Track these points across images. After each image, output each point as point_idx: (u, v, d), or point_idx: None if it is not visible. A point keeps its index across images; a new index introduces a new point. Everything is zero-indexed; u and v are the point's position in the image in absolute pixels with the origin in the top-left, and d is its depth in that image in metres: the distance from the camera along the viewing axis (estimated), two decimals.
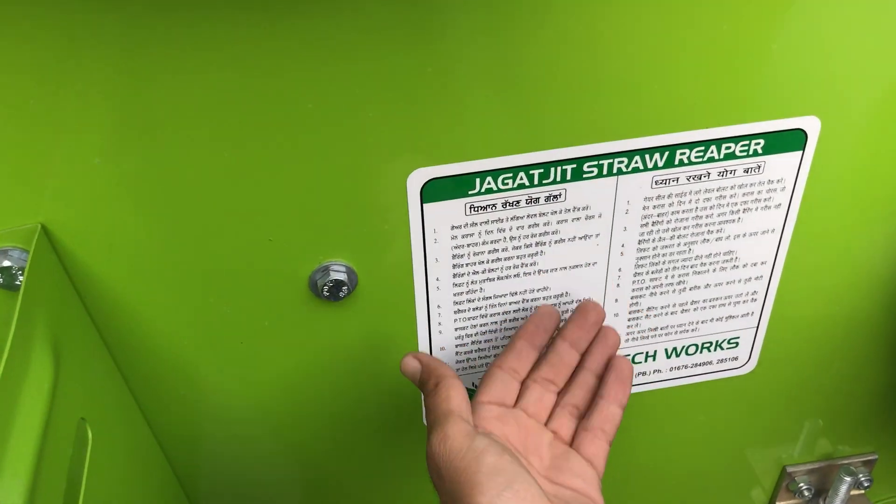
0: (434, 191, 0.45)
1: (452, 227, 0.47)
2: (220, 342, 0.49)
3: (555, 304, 0.53)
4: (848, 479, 0.68)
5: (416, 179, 0.45)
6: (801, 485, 0.70)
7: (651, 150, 0.46)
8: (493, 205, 0.47)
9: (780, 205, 0.51)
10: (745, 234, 0.52)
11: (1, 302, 0.44)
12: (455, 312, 0.51)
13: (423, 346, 0.53)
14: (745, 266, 0.54)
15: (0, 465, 0.32)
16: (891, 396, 0.68)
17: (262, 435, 0.56)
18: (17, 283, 0.42)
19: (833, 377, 0.64)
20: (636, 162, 0.47)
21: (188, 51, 0.37)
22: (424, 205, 0.46)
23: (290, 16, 0.38)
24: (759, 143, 0.48)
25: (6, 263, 0.42)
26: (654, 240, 0.51)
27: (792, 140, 0.48)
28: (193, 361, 0.50)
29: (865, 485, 0.70)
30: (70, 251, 0.43)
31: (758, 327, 0.58)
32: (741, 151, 0.48)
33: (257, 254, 0.45)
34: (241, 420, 0.54)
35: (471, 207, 0.46)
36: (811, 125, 0.47)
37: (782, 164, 0.49)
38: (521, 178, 0.46)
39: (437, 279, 0.49)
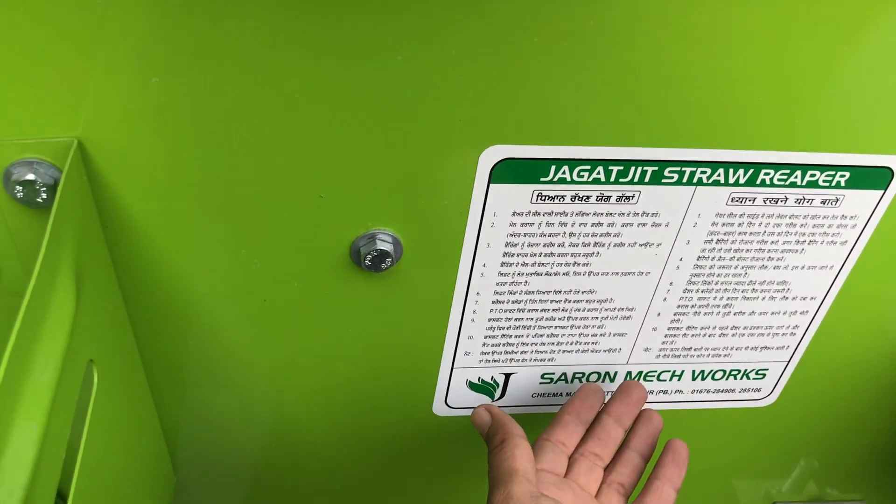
0: (505, 172, 0.42)
1: (514, 214, 0.44)
2: (242, 296, 0.45)
3: (595, 310, 0.50)
4: None
5: (490, 157, 0.41)
6: None
7: (735, 165, 0.43)
8: (562, 196, 0.43)
9: (846, 242, 0.48)
10: (803, 266, 0.49)
11: (15, 218, 0.39)
12: (493, 303, 0.48)
13: (451, 333, 0.49)
14: (794, 299, 0.51)
15: (14, 406, 0.28)
16: (888, 447, 0.67)
17: (261, 400, 0.52)
18: (39, 200, 0.38)
19: (843, 422, 0.63)
20: (718, 174, 0.44)
21: None
22: (491, 185, 0.42)
23: None
24: (843, 176, 0.45)
25: (30, 177, 0.37)
26: (713, 258, 0.48)
27: (877, 177, 0.45)
28: (207, 313, 0.46)
29: None
30: (102, 175, 0.39)
31: (788, 362, 0.56)
32: (824, 181, 0.45)
33: (304, 209, 0.42)
34: (243, 382, 0.50)
35: (538, 195, 0.43)
36: None
37: (860, 201, 0.46)
38: (598, 173, 0.43)
39: (484, 265, 0.46)
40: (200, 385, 0.50)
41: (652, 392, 0.56)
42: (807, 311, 0.52)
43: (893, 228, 0.48)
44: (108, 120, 0.37)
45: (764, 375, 0.56)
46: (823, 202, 0.46)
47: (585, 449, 0.47)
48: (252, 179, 0.40)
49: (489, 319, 0.49)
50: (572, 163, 0.42)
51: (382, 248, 0.43)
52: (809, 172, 0.45)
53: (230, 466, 0.56)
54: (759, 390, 0.57)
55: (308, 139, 0.39)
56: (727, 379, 0.56)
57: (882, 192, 0.46)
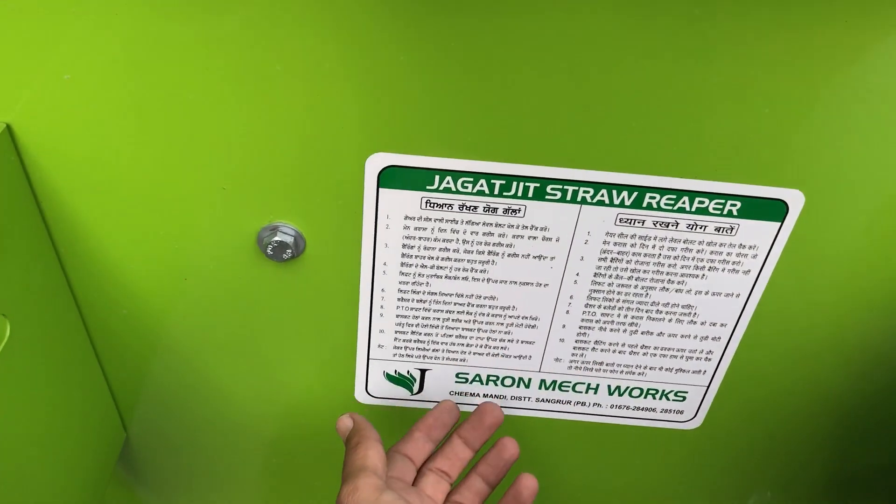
0: (392, 178, 0.45)
1: (406, 217, 0.47)
2: (165, 272, 0.50)
3: (500, 316, 0.52)
4: None
5: (375, 163, 0.44)
6: None
7: (619, 187, 0.45)
8: (450, 205, 0.46)
9: (749, 271, 0.49)
10: (707, 292, 0.50)
11: None
12: (399, 300, 0.51)
13: (362, 325, 0.53)
14: (703, 324, 0.52)
15: None
16: (842, 482, 0.66)
17: (193, 370, 0.57)
18: None
19: (786, 451, 0.62)
20: (602, 195, 0.45)
21: None
22: (381, 189, 0.46)
23: None
24: (734, 205, 0.46)
25: None
26: (610, 276, 0.49)
27: (771, 209, 0.46)
28: (137, 284, 0.51)
29: None
30: (33, 156, 0.44)
31: (708, 387, 0.56)
32: (714, 209, 0.46)
33: (209, 198, 0.46)
34: (177, 353, 0.55)
35: (427, 202, 0.46)
36: (794, 198, 0.45)
37: (758, 232, 0.47)
38: (482, 185, 0.45)
39: (385, 264, 0.49)
40: (139, 350, 0.55)
41: (570, 402, 0.57)
42: (719, 338, 0.53)
43: (798, 260, 0.48)
44: (33, 109, 0.42)
45: (684, 398, 0.57)
46: (718, 229, 0.47)
47: (434, 464, 0.50)
48: (162, 166, 0.45)
49: (397, 316, 0.52)
50: (455, 174, 0.45)
51: (282, 239, 0.47)
52: (698, 199, 0.46)
53: (177, 426, 0.62)
54: (681, 412, 0.58)
55: (208, 135, 0.43)
56: (645, 397, 0.57)
57: (779, 223, 0.47)
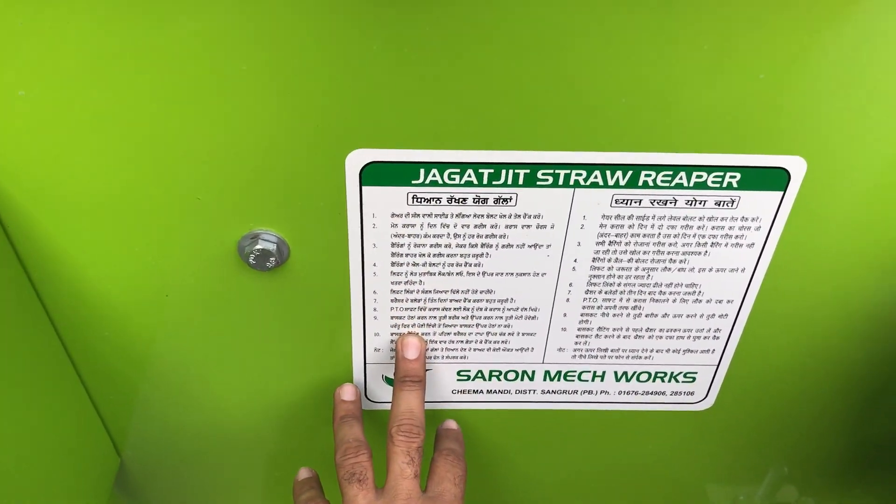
0: (375, 175, 0.43)
1: (393, 215, 0.45)
2: (144, 290, 0.48)
3: (498, 310, 0.50)
4: None
5: (355, 161, 0.42)
6: None
7: (613, 167, 0.43)
8: (438, 198, 0.44)
9: (753, 244, 0.47)
10: (711, 269, 0.48)
11: None
12: (392, 301, 0.49)
13: (356, 330, 0.51)
14: (708, 301, 0.50)
15: None
16: (861, 452, 0.64)
17: (188, 390, 0.54)
18: None
19: (801, 424, 0.61)
20: (595, 177, 0.43)
21: None
22: (364, 188, 0.43)
23: None
24: (734, 177, 0.44)
25: None
26: (610, 259, 0.47)
27: (772, 179, 0.44)
28: (117, 305, 0.49)
29: None
30: None
31: (718, 365, 0.54)
32: (713, 182, 0.44)
33: (184, 210, 0.44)
34: (165, 372, 0.53)
35: (413, 197, 0.44)
36: (796, 166, 0.43)
37: (760, 203, 0.45)
38: (469, 176, 0.43)
39: (375, 265, 0.47)
40: (126, 372, 0.53)
41: (576, 392, 0.55)
42: (726, 315, 0.51)
43: (803, 229, 0.47)
44: None
45: (693, 379, 0.55)
46: (718, 203, 0.45)
47: None
48: (132, 180, 0.42)
49: (392, 317, 0.50)
50: (441, 166, 0.43)
51: (264, 247, 0.45)
52: (696, 173, 0.44)
53: (172, 445, 0.60)
54: (692, 394, 0.56)
55: (173, 145, 0.41)
56: (654, 381, 0.55)
57: (781, 192, 0.45)
